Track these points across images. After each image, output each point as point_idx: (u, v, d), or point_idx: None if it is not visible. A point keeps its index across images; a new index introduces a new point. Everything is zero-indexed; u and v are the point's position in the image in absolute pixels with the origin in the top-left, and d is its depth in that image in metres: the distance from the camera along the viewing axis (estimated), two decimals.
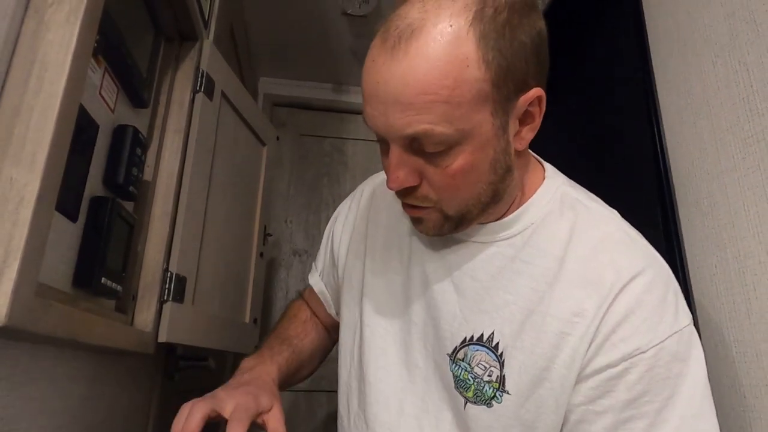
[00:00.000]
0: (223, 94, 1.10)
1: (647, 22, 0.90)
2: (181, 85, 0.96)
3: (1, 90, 0.48)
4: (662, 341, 0.50)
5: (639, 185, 0.86)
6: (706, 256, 0.72)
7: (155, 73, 0.90)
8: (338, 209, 0.81)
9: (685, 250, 0.76)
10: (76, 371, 0.66)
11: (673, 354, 0.50)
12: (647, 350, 0.49)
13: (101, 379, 0.75)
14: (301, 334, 0.77)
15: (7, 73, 0.49)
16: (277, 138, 1.48)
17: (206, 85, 1.01)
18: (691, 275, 0.75)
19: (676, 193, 0.79)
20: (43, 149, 0.48)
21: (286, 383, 0.69)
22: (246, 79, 1.84)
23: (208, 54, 1.02)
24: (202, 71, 1.00)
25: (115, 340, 0.69)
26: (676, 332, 0.50)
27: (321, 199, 2.23)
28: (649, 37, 0.89)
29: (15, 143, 0.47)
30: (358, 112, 2.30)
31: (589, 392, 0.51)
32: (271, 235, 1.52)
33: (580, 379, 0.52)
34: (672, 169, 0.80)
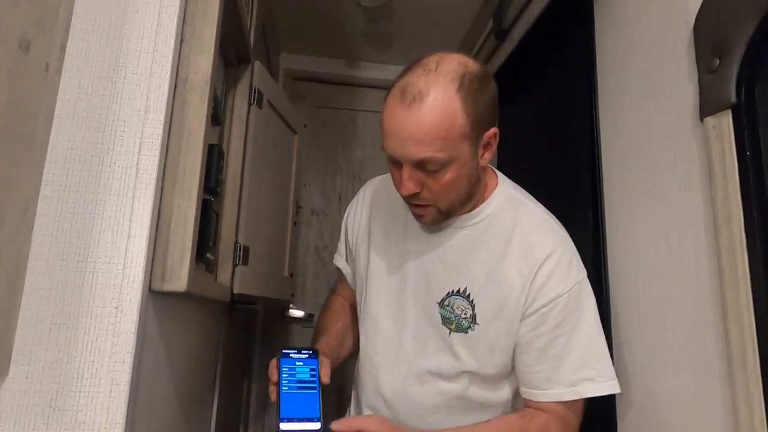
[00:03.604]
0: (269, 102, 1.38)
1: (597, 58, 1.17)
2: (240, 101, 1.26)
3: (167, 149, 0.79)
4: (570, 288, 0.80)
5: (579, 193, 1.18)
6: (620, 245, 1.05)
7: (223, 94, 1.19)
8: (348, 208, 1.06)
9: (607, 244, 1.08)
10: (195, 315, 1.01)
11: (576, 295, 0.81)
12: (563, 294, 0.80)
13: (202, 319, 1.11)
14: (333, 320, 1.03)
15: (168, 137, 0.79)
16: (305, 126, 1.77)
17: (258, 98, 1.30)
18: (609, 258, 1.07)
19: (605, 206, 1.10)
20: (195, 186, 0.79)
21: (336, 358, 0.94)
22: (270, 54, 2.09)
23: (258, 72, 1.30)
24: (255, 87, 1.29)
25: (216, 293, 1.03)
26: (577, 283, 0.81)
27: (336, 165, 2.53)
28: (597, 73, 1.17)
29: (178, 183, 0.79)
30: (369, 86, 2.57)
31: (531, 324, 0.81)
32: (302, 207, 1.83)
33: (524, 317, 0.81)
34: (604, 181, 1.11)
